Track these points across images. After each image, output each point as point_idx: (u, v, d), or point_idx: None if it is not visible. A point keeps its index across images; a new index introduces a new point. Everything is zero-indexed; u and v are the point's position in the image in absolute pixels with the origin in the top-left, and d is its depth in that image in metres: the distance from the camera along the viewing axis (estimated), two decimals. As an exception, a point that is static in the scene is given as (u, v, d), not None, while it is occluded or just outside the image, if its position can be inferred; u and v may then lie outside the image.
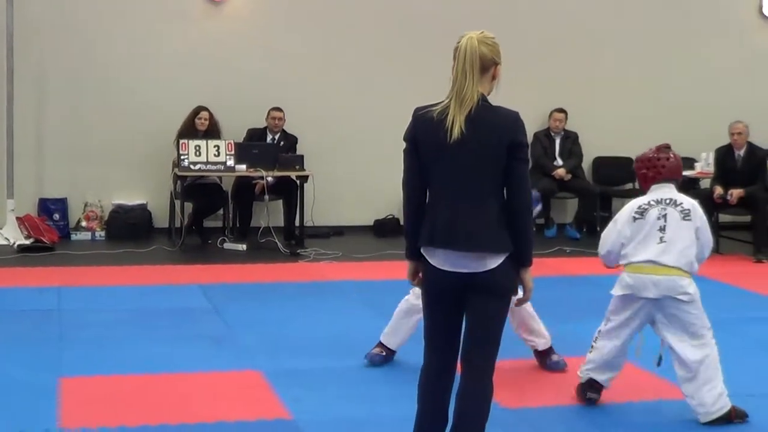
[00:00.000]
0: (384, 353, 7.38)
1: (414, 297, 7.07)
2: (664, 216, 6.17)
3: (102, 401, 6.46)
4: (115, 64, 13.27)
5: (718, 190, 12.36)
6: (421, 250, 4.78)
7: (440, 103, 4.66)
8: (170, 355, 7.57)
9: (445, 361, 4.88)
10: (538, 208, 7.27)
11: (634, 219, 6.25)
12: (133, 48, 13.33)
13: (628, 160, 14.11)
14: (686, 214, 6.16)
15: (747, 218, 12.91)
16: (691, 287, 6.10)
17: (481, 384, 4.78)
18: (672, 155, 6.38)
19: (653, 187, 6.34)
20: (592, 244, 7.47)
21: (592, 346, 6.47)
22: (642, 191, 6.44)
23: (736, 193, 12.29)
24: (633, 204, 6.34)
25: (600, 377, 6.44)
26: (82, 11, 13.22)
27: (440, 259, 4.71)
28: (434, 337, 4.90)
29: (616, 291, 6.28)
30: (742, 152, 12.77)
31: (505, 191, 4.67)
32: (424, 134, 4.68)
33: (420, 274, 4.87)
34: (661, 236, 6.14)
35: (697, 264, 6.20)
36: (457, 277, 4.69)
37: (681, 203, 6.21)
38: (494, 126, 4.59)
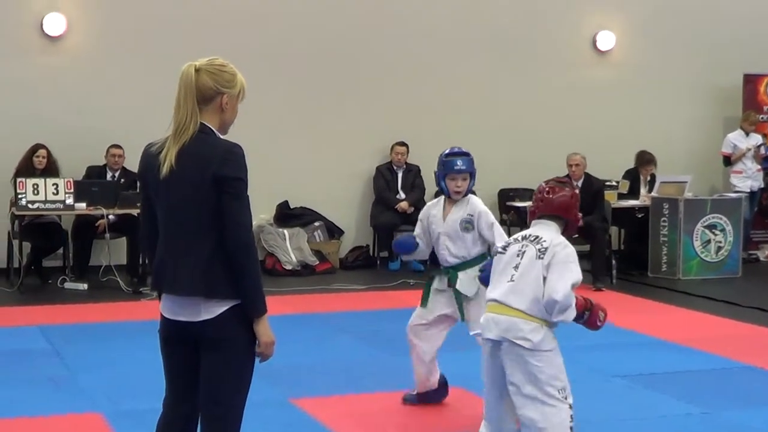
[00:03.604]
0: (415, 393, 7.38)
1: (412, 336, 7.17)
2: (523, 253, 5.43)
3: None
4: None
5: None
6: None
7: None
8: (8, 399, 7.40)
9: (176, 415, 4.56)
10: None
11: (497, 253, 5.66)
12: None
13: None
14: (541, 253, 5.36)
15: (586, 247, 13.16)
16: (534, 334, 5.27)
17: None
18: (557, 189, 5.62)
19: (533, 222, 5.64)
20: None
21: None
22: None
23: (574, 223, 12.52)
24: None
25: None
26: None
27: (163, 304, 4.45)
28: (167, 389, 4.59)
29: (474, 332, 5.66)
30: (579, 183, 13.05)
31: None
32: (146, 171, 4.43)
33: None
34: (512, 274, 5.40)
35: (549, 310, 5.30)
36: (177, 327, 4.38)
37: (543, 240, 5.42)
38: (202, 159, 4.25)
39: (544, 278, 5.31)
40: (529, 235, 5.51)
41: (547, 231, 5.51)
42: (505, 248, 5.59)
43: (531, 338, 5.27)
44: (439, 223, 7.07)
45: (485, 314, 5.50)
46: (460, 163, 6.99)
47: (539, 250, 5.38)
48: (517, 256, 5.44)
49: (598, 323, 5.48)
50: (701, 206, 13.73)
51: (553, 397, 5.29)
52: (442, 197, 7.20)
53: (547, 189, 5.64)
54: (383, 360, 8.65)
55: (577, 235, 5.75)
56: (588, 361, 8.52)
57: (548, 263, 5.32)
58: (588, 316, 5.44)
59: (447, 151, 7.16)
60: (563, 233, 5.57)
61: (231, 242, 4.24)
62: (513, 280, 5.39)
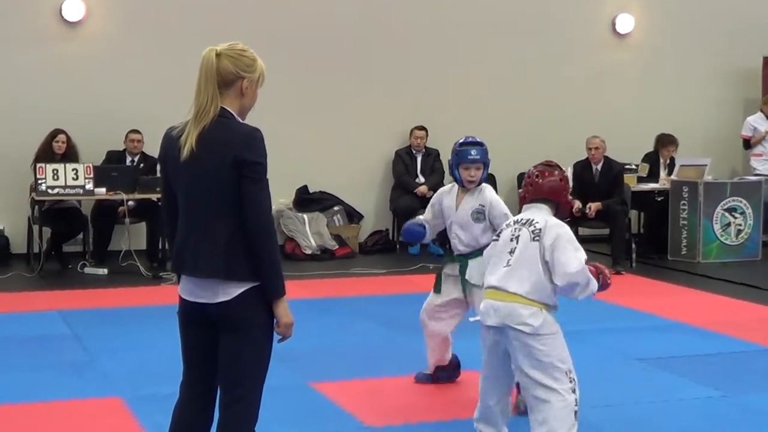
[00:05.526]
0: (429, 373, 7.43)
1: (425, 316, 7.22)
2: (517, 237, 5.40)
3: (-43, 434, 6.30)
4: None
5: (577, 203, 12.55)
6: None
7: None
8: (29, 383, 7.43)
9: (193, 398, 4.57)
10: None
11: (493, 240, 5.67)
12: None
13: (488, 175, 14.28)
14: (536, 235, 5.34)
15: (605, 231, 13.15)
16: (534, 318, 5.25)
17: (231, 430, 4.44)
18: (546, 173, 5.62)
19: (524, 206, 5.62)
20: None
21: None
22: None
23: (594, 206, 12.54)
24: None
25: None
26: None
27: (182, 286, 4.48)
28: (185, 372, 4.60)
29: (474, 318, 5.64)
30: (599, 166, 13.04)
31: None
32: (166, 154, 4.47)
33: None
34: (508, 259, 5.38)
35: (572, 292, 5.34)
36: (195, 308, 4.40)
37: (535, 222, 5.40)
38: (222, 143, 4.28)
39: (547, 262, 5.29)
40: (521, 219, 5.50)
41: (539, 213, 5.49)
42: (498, 235, 5.58)
43: (531, 323, 5.25)
44: (451, 212, 7.11)
45: (484, 301, 5.50)
46: (474, 153, 7.03)
47: (533, 231, 5.36)
48: (512, 240, 5.42)
49: (608, 281, 5.57)
50: (721, 189, 13.69)
51: (558, 380, 5.27)
52: (455, 185, 7.22)
53: (536, 173, 5.64)
54: (402, 344, 8.64)
55: (568, 219, 5.69)
56: (607, 344, 8.53)
57: (551, 244, 5.28)
58: (602, 279, 5.49)
59: (461, 140, 7.18)
60: (556, 216, 5.55)
61: (251, 225, 4.26)
62: (509, 265, 5.37)
